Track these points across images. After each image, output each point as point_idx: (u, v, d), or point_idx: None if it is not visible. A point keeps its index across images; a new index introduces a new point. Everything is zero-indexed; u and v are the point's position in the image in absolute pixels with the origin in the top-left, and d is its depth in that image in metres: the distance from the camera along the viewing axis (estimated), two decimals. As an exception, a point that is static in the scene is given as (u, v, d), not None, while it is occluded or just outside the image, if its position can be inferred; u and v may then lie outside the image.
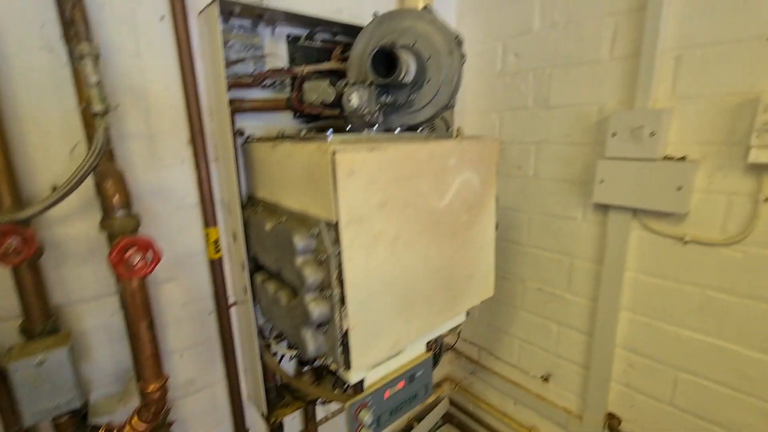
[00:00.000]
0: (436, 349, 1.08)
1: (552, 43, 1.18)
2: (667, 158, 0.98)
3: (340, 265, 0.70)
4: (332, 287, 0.71)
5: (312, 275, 0.72)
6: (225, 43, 0.89)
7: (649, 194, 1.00)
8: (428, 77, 0.85)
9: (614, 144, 1.04)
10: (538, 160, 1.29)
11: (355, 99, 0.79)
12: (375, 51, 0.78)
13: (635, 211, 1.07)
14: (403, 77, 0.80)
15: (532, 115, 1.27)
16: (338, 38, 1.06)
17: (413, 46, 0.84)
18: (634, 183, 1.02)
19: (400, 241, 0.79)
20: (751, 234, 0.90)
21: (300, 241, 0.72)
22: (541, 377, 1.44)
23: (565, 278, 1.30)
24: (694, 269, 1.00)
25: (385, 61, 0.81)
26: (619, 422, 1.24)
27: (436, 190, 0.84)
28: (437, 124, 1.24)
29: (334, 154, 0.65)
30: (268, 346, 0.99)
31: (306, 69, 0.95)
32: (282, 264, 0.79)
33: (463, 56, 0.84)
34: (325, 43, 1.04)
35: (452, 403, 1.83)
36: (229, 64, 0.91)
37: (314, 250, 0.73)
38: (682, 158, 0.96)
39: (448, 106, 0.88)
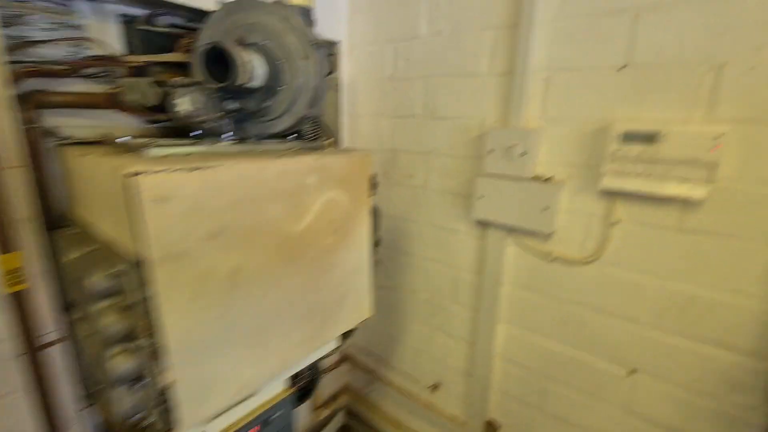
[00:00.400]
0: (310, 377, 1.00)
1: (439, 51, 1.14)
2: (536, 178, 1.00)
3: (151, 311, 0.57)
4: (142, 338, 0.58)
5: (114, 324, 0.58)
6: (18, 15, 0.69)
7: (520, 213, 1.01)
8: (283, 83, 0.74)
9: (491, 161, 1.04)
10: (427, 171, 1.26)
11: (185, 104, 0.65)
12: (208, 48, 0.65)
13: (510, 228, 1.08)
14: (246, 81, 0.68)
15: (420, 124, 1.23)
16: (191, 24, 0.90)
17: (263, 45, 0.73)
18: (508, 201, 1.03)
19: (243, 274, 0.68)
20: (604, 254, 0.95)
21: (98, 282, 0.57)
22: (431, 386, 1.44)
23: (452, 289, 1.30)
24: (558, 285, 1.04)
25: (225, 60, 0.68)
26: (498, 428, 1.28)
27: (291, 213, 0.74)
28: (321, 131, 1.14)
29: (134, 175, 0.52)
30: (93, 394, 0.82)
31: (142, 59, 0.78)
32: (85, 306, 0.63)
33: (323, 62, 0.75)
34: (173, 29, 0.88)
35: (350, 413, 1.78)
36: (25, 44, 0.70)
37: (118, 292, 0.59)
38: (549, 179, 0.98)
39: (309, 116, 0.78)
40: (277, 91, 0.75)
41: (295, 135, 0.90)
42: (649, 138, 0.80)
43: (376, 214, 1.06)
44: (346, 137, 1.40)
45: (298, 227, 0.76)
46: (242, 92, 0.72)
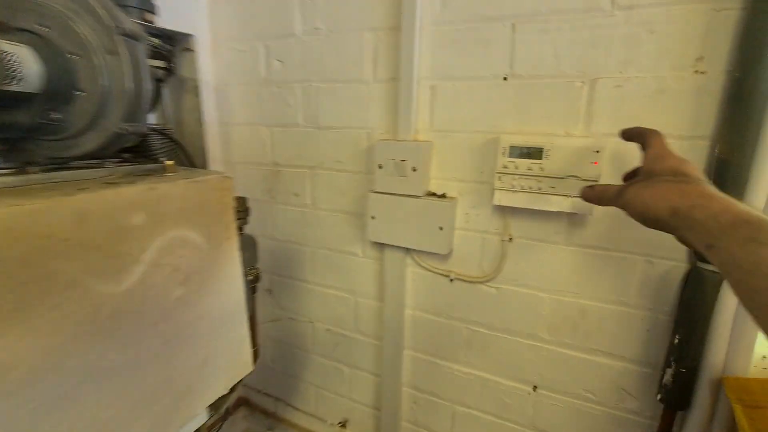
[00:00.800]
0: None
1: (317, 53, 1.00)
2: (429, 195, 0.92)
3: None
4: None
5: None
6: None
7: (416, 233, 0.93)
8: (78, 87, 0.52)
9: (381, 177, 0.93)
10: (314, 188, 1.11)
11: None
12: None
13: (408, 249, 0.99)
14: (3, 82, 0.45)
15: (304, 135, 1.08)
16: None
17: (39, 32, 0.50)
18: (402, 221, 0.93)
19: (21, 370, 0.45)
20: (501, 271, 0.90)
21: None
22: (339, 423, 1.30)
23: (353, 317, 1.17)
24: (460, 305, 0.98)
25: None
26: (411, 459, 1.19)
27: (105, 269, 0.53)
28: (175, 148, 0.91)
29: None
30: None
31: None
32: None
33: (143, 59, 0.55)
34: None
35: (251, 465, 1.54)
36: None
37: None
38: (443, 195, 0.91)
39: (132, 132, 0.57)
40: (72, 99, 0.53)
41: (132, 154, 0.68)
42: (536, 153, 0.77)
43: (250, 245, 0.88)
44: (216, 151, 1.18)
45: (119, 287, 0.55)
46: (3, 100, 0.48)
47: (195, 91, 0.97)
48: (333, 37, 0.97)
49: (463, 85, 0.85)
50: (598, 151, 0.72)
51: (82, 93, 0.53)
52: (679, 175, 0.44)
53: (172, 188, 0.61)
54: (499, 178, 0.81)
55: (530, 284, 0.89)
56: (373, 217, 0.96)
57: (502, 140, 0.80)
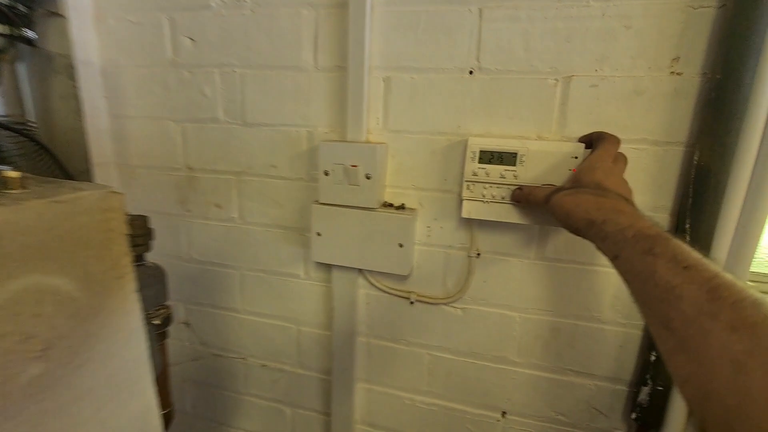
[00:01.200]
0: None
1: (240, 32, 0.80)
2: (386, 206, 0.78)
3: None
4: None
5: None
6: None
7: (371, 251, 0.78)
8: None
9: (328, 185, 0.77)
10: (241, 198, 0.91)
11: None
12: None
13: (362, 269, 0.85)
14: None
15: (226, 133, 0.87)
16: None
17: None
18: (354, 237, 0.78)
19: None
20: (468, 290, 0.80)
21: None
22: (280, 471, 1.11)
23: (295, 350, 0.99)
24: (422, 330, 0.86)
25: None
26: (366, 502, 1.05)
27: None
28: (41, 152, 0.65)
29: None
30: None
31: None
32: None
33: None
34: None
35: None
36: None
37: None
38: (401, 207, 0.78)
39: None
40: None
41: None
42: (509, 159, 0.67)
43: (156, 278, 0.66)
44: (105, 153, 0.91)
45: None
46: None
47: (68, 72, 0.72)
48: (261, 12, 0.78)
49: (422, 78, 0.73)
50: (576, 157, 0.64)
51: None
52: (600, 189, 0.49)
53: (13, 215, 0.39)
54: (468, 186, 0.70)
55: (499, 303, 0.80)
56: (318, 234, 0.80)
57: (471, 143, 0.69)
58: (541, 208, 0.60)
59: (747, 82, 0.56)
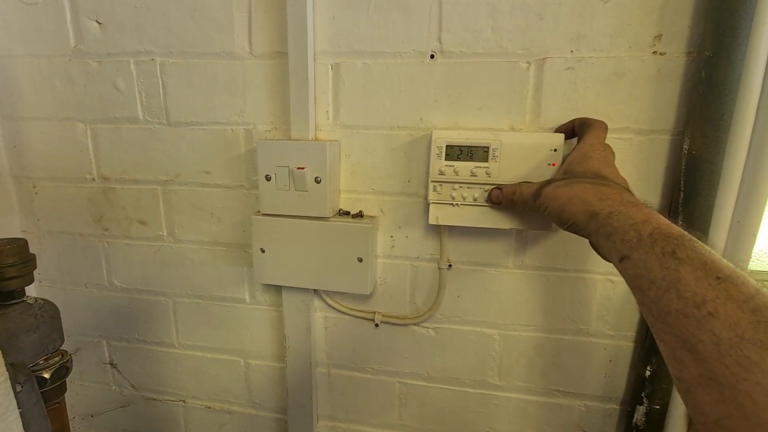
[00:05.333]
0: None
1: (158, 12, 0.67)
2: (342, 215, 0.67)
3: None
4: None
5: None
6: None
7: (326, 269, 0.66)
8: None
9: (270, 192, 0.64)
10: (170, 212, 0.76)
11: None
12: None
13: (316, 289, 0.73)
14: None
15: (147, 134, 0.73)
16: None
17: None
18: (305, 253, 0.66)
19: None
20: (440, 307, 0.70)
21: None
22: None
23: (243, 387, 0.84)
24: (390, 355, 0.75)
25: None
26: None
27: None
28: None
29: None
30: None
31: None
32: None
33: None
34: None
35: None
36: None
37: None
38: (359, 215, 0.67)
39: None
40: None
41: None
42: (480, 153, 0.58)
43: (43, 318, 0.51)
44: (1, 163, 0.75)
45: None
46: None
47: None
48: (181, -13, 0.65)
49: (376, 64, 0.62)
50: (555, 150, 0.56)
51: None
52: (599, 178, 0.43)
53: None
54: (435, 188, 0.60)
55: (475, 320, 0.70)
56: (262, 250, 0.67)
57: (436, 138, 0.59)
58: (527, 207, 0.51)
59: (739, 57, 0.49)
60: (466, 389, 0.74)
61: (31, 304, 0.52)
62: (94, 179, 0.77)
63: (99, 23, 0.69)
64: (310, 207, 0.64)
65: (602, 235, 0.37)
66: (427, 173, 0.62)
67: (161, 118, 0.71)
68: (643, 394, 0.64)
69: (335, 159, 0.65)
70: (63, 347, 0.56)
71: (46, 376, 0.53)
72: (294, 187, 0.63)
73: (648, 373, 0.63)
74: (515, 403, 0.73)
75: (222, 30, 0.65)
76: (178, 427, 0.90)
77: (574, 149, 0.49)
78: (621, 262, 0.34)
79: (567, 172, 0.47)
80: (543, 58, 0.58)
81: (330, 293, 0.73)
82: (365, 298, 0.73)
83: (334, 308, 0.74)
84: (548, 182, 0.48)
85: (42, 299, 0.53)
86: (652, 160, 0.59)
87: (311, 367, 0.77)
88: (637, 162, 0.59)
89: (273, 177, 0.63)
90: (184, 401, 0.88)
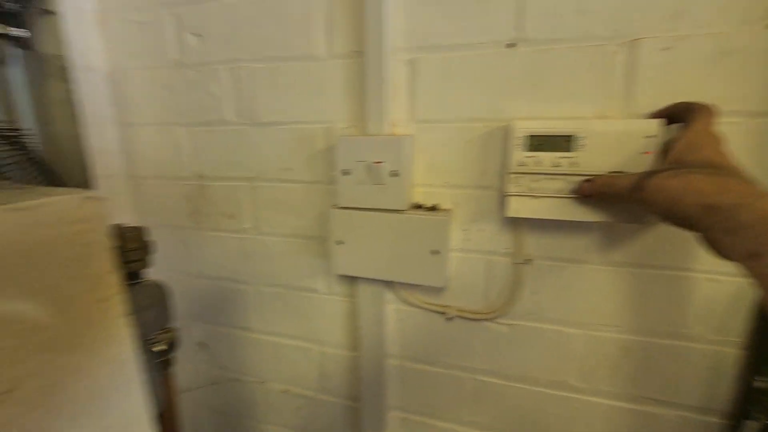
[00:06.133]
0: None
1: (248, 22, 0.73)
2: (416, 208, 0.68)
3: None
4: None
5: None
6: None
7: (400, 261, 0.68)
8: None
9: (348, 186, 0.67)
10: (256, 206, 0.82)
11: None
12: None
13: (389, 282, 0.74)
14: None
15: (236, 135, 0.79)
16: None
17: None
18: (380, 245, 0.68)
19: None
20: (516, 304, 0.68)
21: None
22: (307, 508, 1.00)
23: (317, 373, 0.89)
24: (462, 350, 0.75)
25: None
26: None
27: None
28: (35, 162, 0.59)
29: None
30: None
31: None
32: None
33: None
34: None
35: None
36: None
37: None
38: (433, 208, 0.67)
39: None
40: None
41: None
42: (563, 143, 0.55)
43: (157, 298, 0.58)
44: (111, 163, 0.86)
45: None
46: None
47: (62, 75, 0.66)
48: (268, -3, 0.70)
49: (453, 57, 0.62)
50: (651, 137, 0.52)
51: None
52: (715, 167, 0.39)
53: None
54: (515, 180, 0.58)
55: (555, 318, 0.67)
56: (339, 242, 0.70)
57: (516, 128, 0.57)
58: (624, 200, 0.48)
59: None
60: (543, 389, 0.71)
61: (148, 285, 0.59)
62: (190, 177, 0.85)
63: (198, 36, 0.76)
64: (387, 200, 0.66)
65: (723, 230, 0.34)
66: (504, 165, 0.61)
67: (248, 120, 0.77)
68: (752, 408, 0.57)
69: (410, 153, 0.66)
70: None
71: (160, 348, 0.60)
72: (371, 181, 0.65)
73: (761, 384, 0.56)
74: (599, 408, 0.69)
75: (303, 34, 0.69)
76: (258, 407, 0.97)
77: (679, 137, 0.45)
78: (750, 259, 0.31)
79: (674, 162, 0.42)
80: (635, 39, 0.55)
81: (403, 286, 0.74)
82: (438, 291, 0.73)
83: (406, 301, 0.75)
84: (651, 173, 0.43)
85: (157, 281, 0.61)
86: (766, 145, 0.53)
87: (383, 358, 0.79)
88: (750, 147, 0.53)
89: (351, 171, 0.66)
90: (263, 383, 0.95)
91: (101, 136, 0.82)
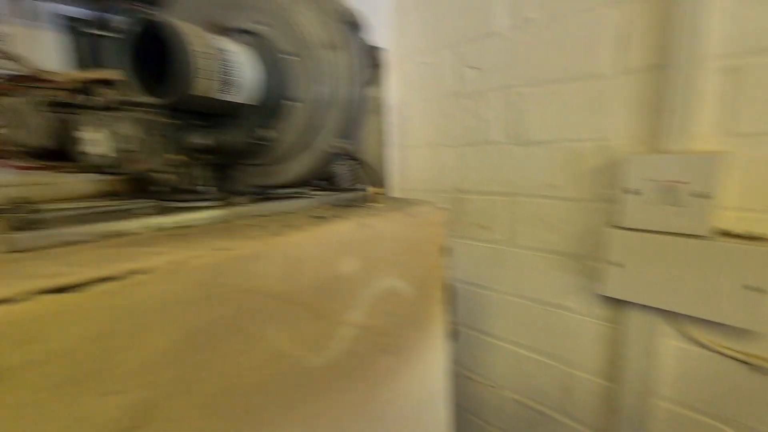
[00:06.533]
0: None
1: (527, 51, 0.79)
2: (723, 234, 0.59)
3: None
4: None
5: None
6: None
7: (696, 292, 0.60)
8: (294, 96, 0.41)
9: (636, 206, 0.64)
10: (512, 220, 0.88)
11: (98, 141, 0.33)
12: (136, 30, 0.34)
13: (669, 312, 0.67)
14: (213, 90, 0.36)
15: (501, 154, 0.87)
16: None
17: (256, 30, 0.40)
18: (673, 272, 0.62)
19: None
20: None
21: None
22: None
23: (558, 392, 0.87)
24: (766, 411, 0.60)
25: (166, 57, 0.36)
26: None
27: (310, 335, 0.39)
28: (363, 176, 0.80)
29: None
30: None
31: (74, 77, 0.49)
32: None
33: (362, 56, 0.42)
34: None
35: None
36: None
37: None
38: (750, 237, 0.57)
39: (341, 151, 0.45)
40: (284, 112, 0.42)
41: (320, 183, 0.57)
42: None
43: (451, 296, 0.69)
44: (393, 177, 1.06)
45: (319, 359, 0.40)
46: (218, 114, 0.39)
47: (378, 110, 0.87)
48: (553, 25, 0.74)
49: (802, 57, 0.52)
50: None
51: (296, 104, 0.42)
52: None
53: (385, 224, 0.45)
54: None
55: None
56: (617, 264, 0.67)
57: None
58: None
59: None
60: None
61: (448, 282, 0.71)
62: (449, 191, 0.98)
63: (475, 69, 0.88)
64: (685, 223, 0.59)
65: None
66: None
67: (514, 140, 0.84)
68: None
69: (720, 171, 0.58)
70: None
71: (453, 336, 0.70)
72: (664, 201, 0.61)
73: None
74: None
75: (587, 55, 0.70)
76: (488, 410, 1.02)
77: None
78: None
79: None
80: None
81: (692, 321, 0.65)
82: (744, 335, 0.61)
83: (694, 339, 0.65)
84: None
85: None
86: None
87: (649, 397, 0.71)
88: None
89: (640, 191, 0.63)
90: (496, 388, 0.99)
91: (389, 156, 1.03)
